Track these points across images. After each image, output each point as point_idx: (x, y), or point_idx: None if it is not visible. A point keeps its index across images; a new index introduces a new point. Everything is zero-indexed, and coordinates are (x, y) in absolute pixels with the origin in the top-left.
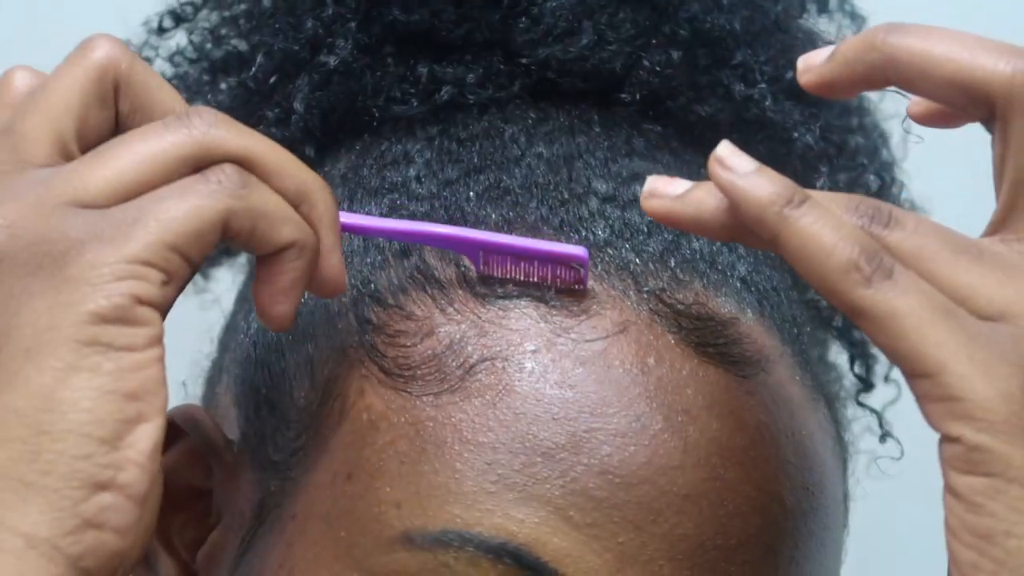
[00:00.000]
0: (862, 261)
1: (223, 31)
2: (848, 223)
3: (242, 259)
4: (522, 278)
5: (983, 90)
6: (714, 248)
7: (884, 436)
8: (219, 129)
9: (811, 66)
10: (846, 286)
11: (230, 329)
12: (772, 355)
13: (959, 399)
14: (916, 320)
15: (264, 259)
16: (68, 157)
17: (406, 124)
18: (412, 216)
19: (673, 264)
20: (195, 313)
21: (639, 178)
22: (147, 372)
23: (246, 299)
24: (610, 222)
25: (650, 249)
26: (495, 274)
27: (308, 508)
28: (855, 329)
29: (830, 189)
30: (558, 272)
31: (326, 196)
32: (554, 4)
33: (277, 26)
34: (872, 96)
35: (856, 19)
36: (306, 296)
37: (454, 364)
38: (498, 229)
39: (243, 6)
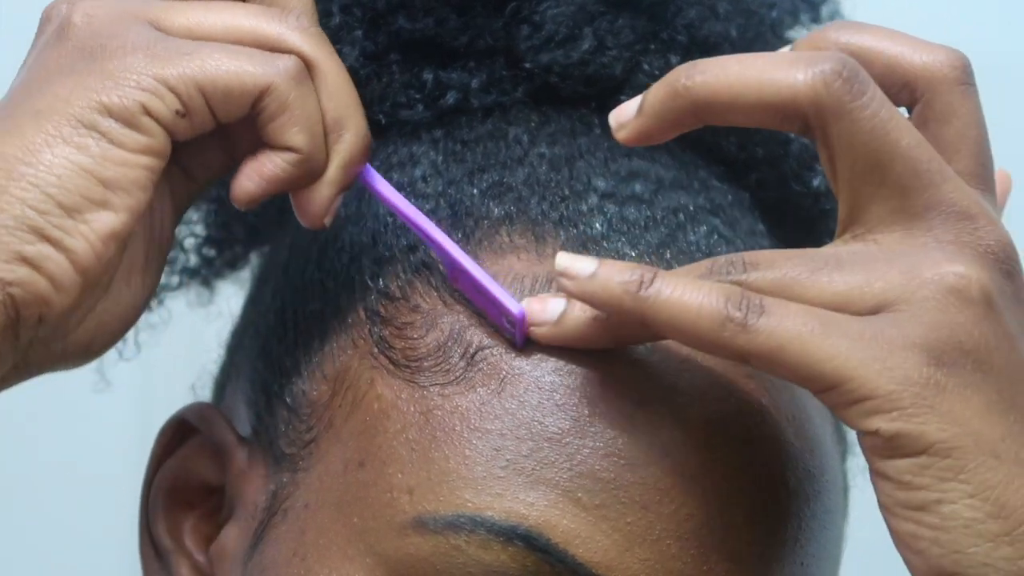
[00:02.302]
0: (730, 310)
1: None
2: (705, 283)
3: (245, 274)
4: (475, 304)
5: (791, 106)
6: (712, 240)
7: None
8: (305, 32)
9: (624, 123)
10: (726, 339)
11: (239, 332)
12: None
13: (865, 399)
14: (801, 343)
15: (269, 147)
16: None
17: (412, 129)
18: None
19: (669, 256)
20: (202, 324)
21: (638, 176)
22: (129, 171)
23: (255, 302)
24: (608, 216)
25: (646, 242)
26: (457, 287)
27: (320, 497)
28: None
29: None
30: (501, 322)
31: (359, 138)
32: (555, 11)
33: None
34: None
35: None
36: (316, 293)
37: (457, 354)
38: (500, 224)
39: None
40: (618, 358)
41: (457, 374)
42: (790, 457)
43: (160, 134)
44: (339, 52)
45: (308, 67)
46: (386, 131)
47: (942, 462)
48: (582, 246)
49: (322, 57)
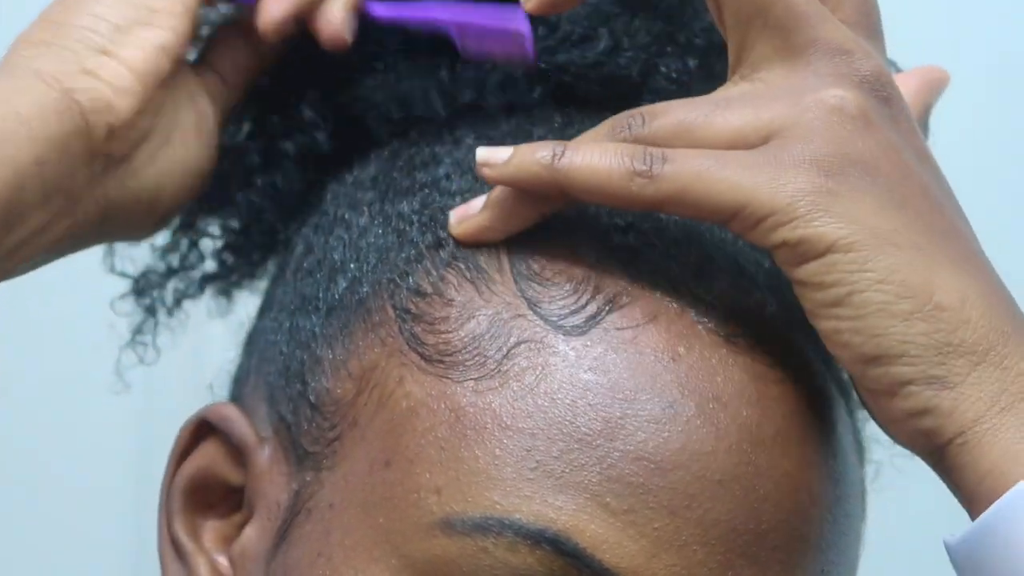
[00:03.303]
0: (635, 164)
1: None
2: (610, 144)
3: (262, 283)
4: (500, 51)
5: None
6: (740, 244)
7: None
8: None
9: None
10: (635, 192)
11: (257, 332)
12: (796, 348)
13: (766, 217)
14: (701, 181)
15: None
16: None
17: (436, 130)
18: (443, 211)
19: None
20: (205, 327)
21: None
22: (172, 1)
23: (274, 301)
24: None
25: (682, 261)
26: (474, 51)
27: (346, 496)
28: None
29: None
30: (508, 46)
31: None
32: (570, 11)
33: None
34: None
35: None
36: (339, 294)
37: (493, 347)
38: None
39: None
40: (651, 362)
41: (492, 367)
42: (814, 463)
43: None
44: (354, 53)
45: None
46: (408, 131)
47: (845, 256)
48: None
49: None
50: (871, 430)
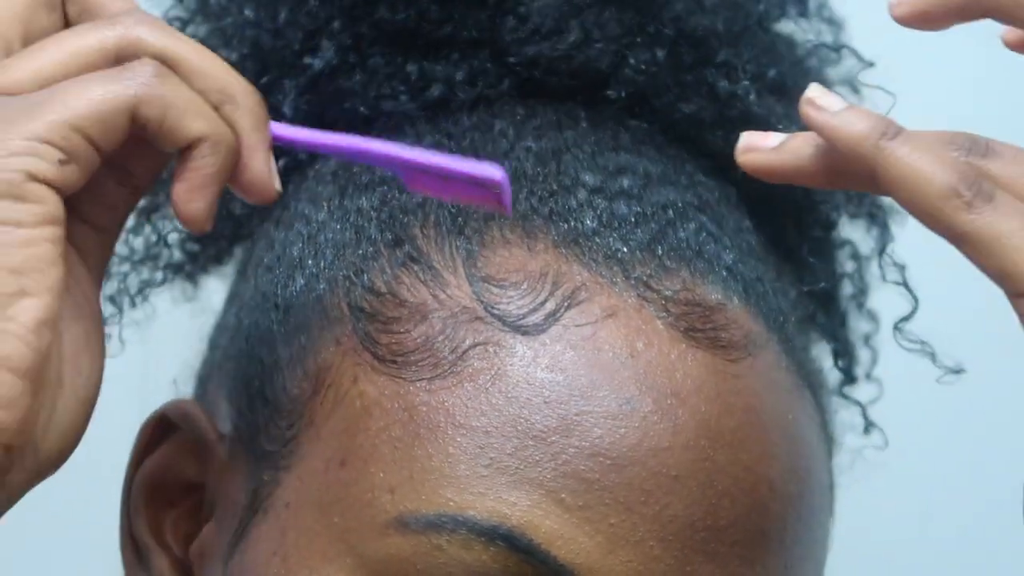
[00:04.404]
0: (962, 187)
1: (212, 41)
2: (945, 153)
3: (229, 269)
4: (448, 199)
5: None
6: (701, 238)
7: (868, 427)
8: (144, 26)
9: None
10: (947, 212)
11: (221, 327)
12: (759, 341)
13: None
14: (1019, 241)
15: (181, 156)
16: None
17: (396, 123)
18: (402, 208)
19: (660, 252)
20: (186, 319)
21: (625, 171)
22: (34, 249)
23: (237, 297)
24: (598, 212)
25: (637, 238)
26: (423, 192)
27: (301, 495)
28: (838, 324)
29: None
30: (485, 196)
31: (251, 98)
32: (540, 3)
33: (261, 30)
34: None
35: (833, 24)
36: (296, 291)
37: (447, 349)
38: (490, 217)
39: (230, 16)
40: (609, 358)
41: (445, 368)
42: (776, 458)
43: (50, 196)
44: (318, 46)
45: (164, 60)
46: (371, 125)
47: None
48: (573, 242)
49: (172, 44)
50: (845, 417)
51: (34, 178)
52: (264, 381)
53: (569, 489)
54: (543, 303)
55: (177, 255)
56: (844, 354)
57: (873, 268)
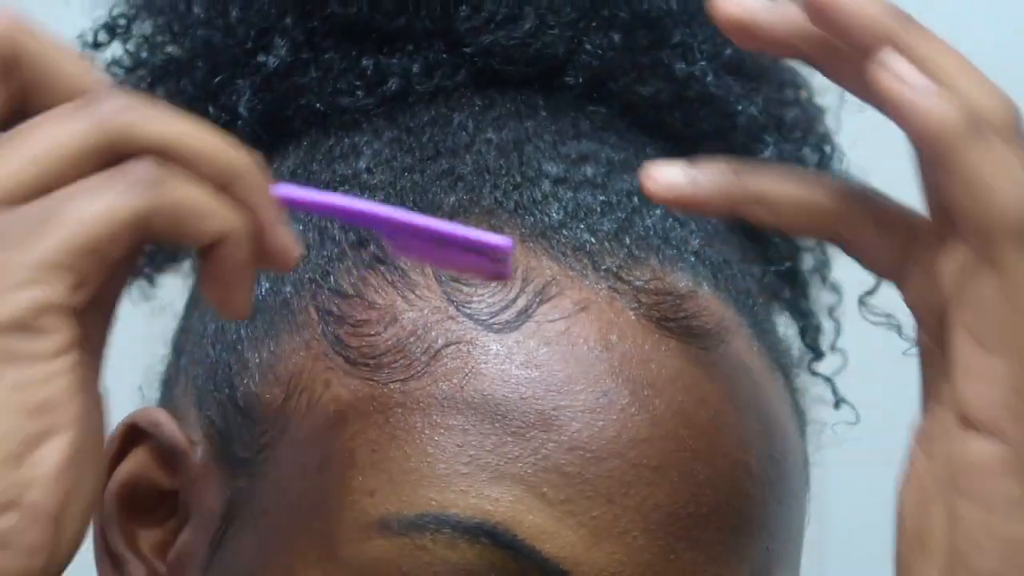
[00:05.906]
0: None
1: (159, 38)
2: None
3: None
4: (437, 265)
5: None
6: (667, 224)
7: (838, 403)
8: (129, 115)
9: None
10: (1009, 247)
11: (184, 331)
12: (730, 326)
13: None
14: None
15: (204, 252)
16: None
17: (352, 119)
18: None
19: (628, 242)
20: (146, 319)
21: (588, 159)
22: (55, 383)
23: (200, 299)
24: (563, 203)
25: (604, 228)
26: (409, 257)
27: (279, 502)
28: (803, 300)
29: (776, 158)
30: (482, 263)
31: (255, 169)
32: None
33: (211, 28)
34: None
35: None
36: (263, 294)
37: (419, 350)
38: (454, 214)
39: (177, 12)
40: (583, 352)
41: (419, 369)
42: (753, 444)
43: (66, 323)
44: (270, 43)
45: (160, 152)
46: (326, 121)
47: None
48: (541, 235)
49: (165, 131)
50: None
51: (47, 309)
52: (234, 388)
53: (550, 483)
54: (514, 300)
55: None
56: (810, 329)
57: None
